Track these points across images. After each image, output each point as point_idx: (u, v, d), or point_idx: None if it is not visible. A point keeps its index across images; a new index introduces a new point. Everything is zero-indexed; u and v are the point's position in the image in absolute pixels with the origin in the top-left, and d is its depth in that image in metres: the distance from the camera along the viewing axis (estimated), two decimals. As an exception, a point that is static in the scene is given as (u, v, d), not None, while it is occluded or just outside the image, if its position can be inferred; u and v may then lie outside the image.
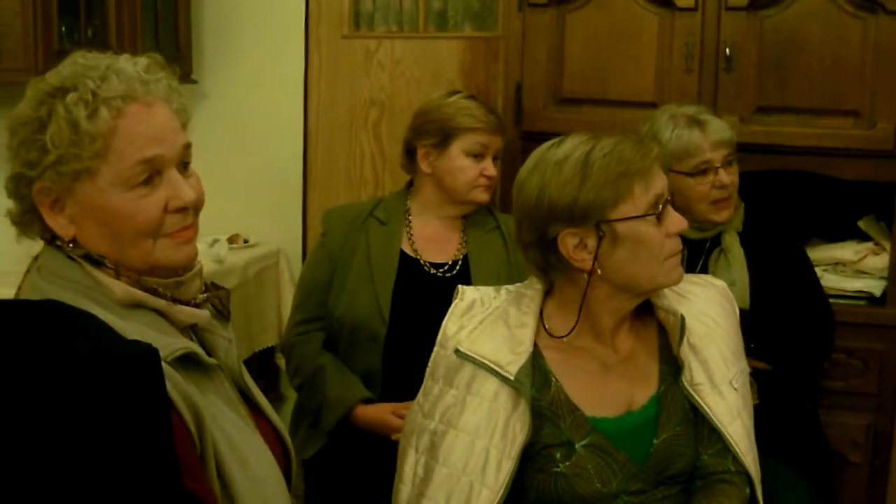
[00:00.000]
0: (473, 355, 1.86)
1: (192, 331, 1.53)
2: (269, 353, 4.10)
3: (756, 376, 2.39)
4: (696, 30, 3.04)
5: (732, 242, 2.71)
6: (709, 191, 2.65)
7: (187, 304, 1.50)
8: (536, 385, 1.85)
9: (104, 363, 1.19)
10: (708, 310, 1.93)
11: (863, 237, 3.17)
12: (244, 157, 4.16)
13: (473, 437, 1.81)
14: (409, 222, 2.76)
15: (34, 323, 1.24)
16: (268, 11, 4.10)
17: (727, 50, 3.01)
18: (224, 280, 3.40)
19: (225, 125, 4.10)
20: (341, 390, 2.63)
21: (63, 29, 3.41)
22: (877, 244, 3.12)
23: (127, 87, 1.41)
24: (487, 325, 1.90)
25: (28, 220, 1.47)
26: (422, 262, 2.71)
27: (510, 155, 2.99)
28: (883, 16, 2.90)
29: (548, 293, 1.95)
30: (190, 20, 4.06)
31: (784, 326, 2.68)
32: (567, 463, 1.82)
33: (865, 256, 3.11)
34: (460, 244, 2.75)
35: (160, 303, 1.46)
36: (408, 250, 2.73)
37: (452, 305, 1.97)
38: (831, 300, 2.89)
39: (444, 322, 1.95)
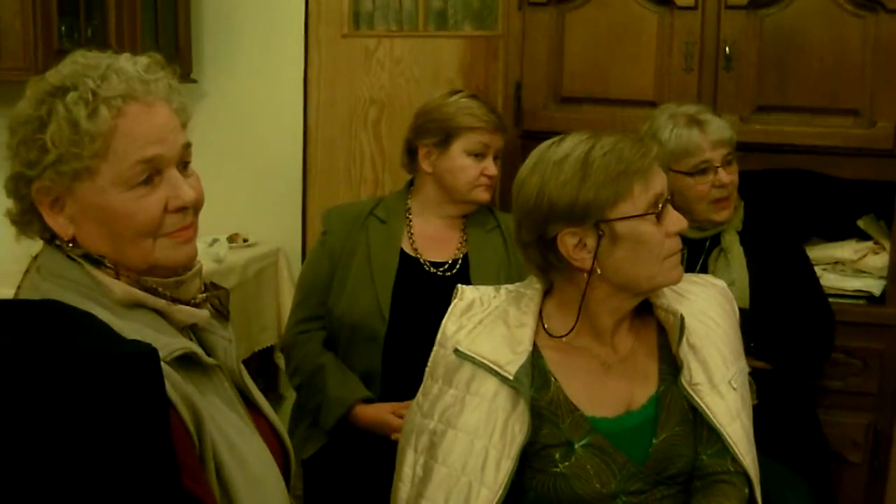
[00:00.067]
0: (473, 355, 1.86)
1: (192, 330, 1.53)
2: (268, 352, 4.10)
3: (755, 376, 2.39)
4: (696, 29, 3.04)
5: (732, 242, 2.71)
6: (708, 190, 2.65)
7: (187, 303, 1.50)
8: (536, 385, 1.85)
9: (103, 363, 1.19)
10: (707, 309, 1.93)
11: (862, 236, 3.17)
12: (244, 156, 4.16)
13: (472, 437, 1.81)
14: (410, 221, 2.76)
15: (33, 323, 1.24)
16: (267, 11, 4.10)
17: (727, 49, 3.01)
18: (223, 279, 3.40)
19: (225, 124, 4.10)
20: (341, 390, 2.63)
21: (63, 28, 3.41)
22: (876, 243, 3.12)
23: (127, 87, 1.41)
24: (487, 325, 1.90)
25: (28, 219, 1.47)
26: (422, 261, 2.71)
27: (510, 154, 2.99)
28: (883, 14, 2.90)
29: (547, 293, 1.95)
30: (190, 19, 4.06)
31: (784, 326, 2.68)
32: (566, 463, 1.82)
33: (865, 255, 3.11)
34: (460, 243, 2.75)
35: (160, 302, 1.46)
36: (408, 249, 2.73)
37: (452, 305, 1.97)
38: (831, 299, 2.89)
39: (443, 322, 1.95)
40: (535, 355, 1.87)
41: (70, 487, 1.15)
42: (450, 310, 1.96)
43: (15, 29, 3.25)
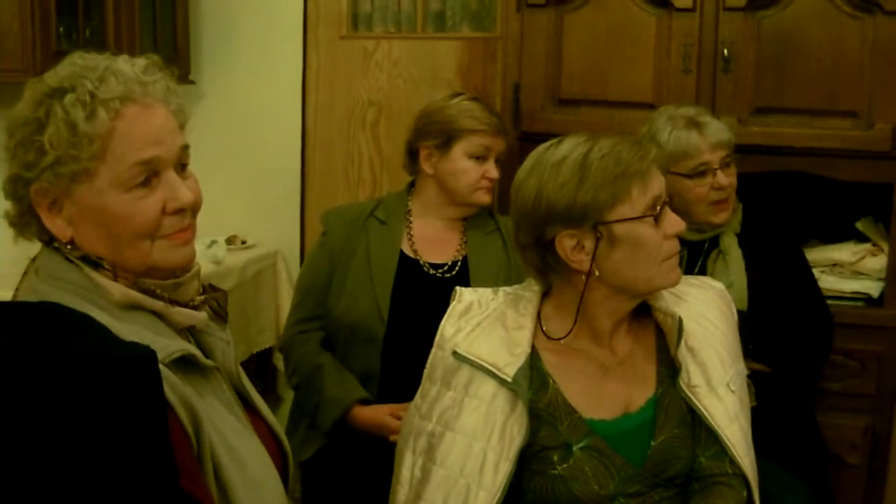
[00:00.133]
0: (471, 357, 1.85)
1: (190, 332, 1.53)
2: (266, 354, 4.10)
3: (754, 378, 2.40)
4: (695, 31, 3.04)
5: (731, 244, 2.71)
6: (707, 192, 2.65)
7: (185, 305, 1.50)
8: (534, 387, 1.85)
9: (101, 365, 1.19)
10: (706, 312, 1.93)
11: (861, 238, 3.17)
12: (242, 157, 4.16)
13: (471, 439, 1.81)
14: (410, 223, 2.76)
15: (32, 325, 1.24)
16: (266, 12, 4.10)
17: (725, 51, 3.01)
18: (222, 281, 3.40)
19: (223, 126, 4.10)
20: (339, 390, 2.63)
21: (61, 29, 3.41)
22: (875, 245, 3.13)
23: (125, 89, 1.41)
24: (485, 327, 1.90)
25: (26, 221, 1.46)
26: (421, 262, 2.71)
27: (508, 156, 2.99)
28: (881, 16, 2.90)
29: (545, 295, 1.95)
30: (188, 21, 4.06)
31: (782, 328, 2.68)
32: (564, 465, 1.82)
33: (863, 258, 3.11)
34: (460, 245, 2.75)
35: (158, 304, 1.46)
36: (407, 251, 2.73)
37: (450, 307, 1.97)
38: (829, 301, 2.89)
39: (441, 324, 1.95)
40: (534, 357, 1.87)
41: (69, 489, 1.15)
42: (448, 312, 1.96)
43: (13, 30, 3.25)
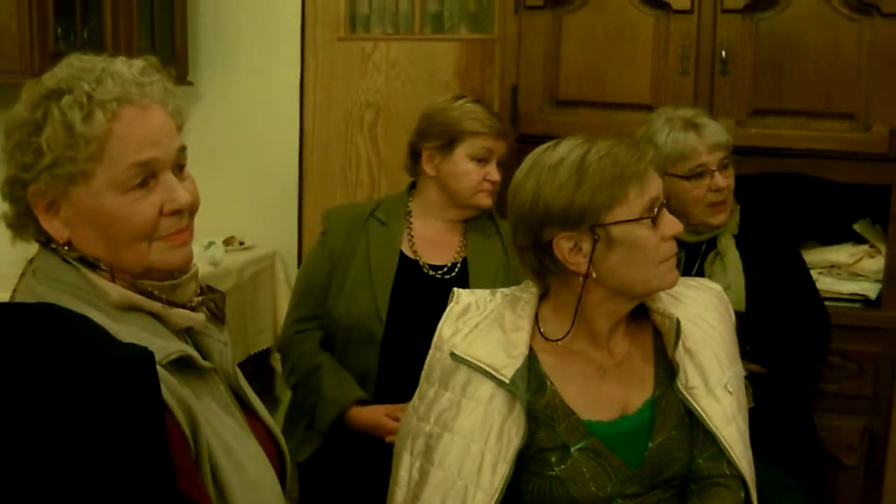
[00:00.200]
0: (469, 358, 1.86)
1: (188, 334, 1.53)
2: (264, 355, 4.10)
3: (751, 379, 2.40)
4: (692, 32, 3.04)
5: (728, 245, 2.71)
6: (705, 194, 2.65)
7: (182, 307, 1.50)
8: (532, 388, 1.85)
9: (99, 366, 1.19)
10: (703, 313, 1.93)
11: (858, 240, 3.17)
12: (240, 159, 4.16)
13: (468, 441, 1.81)
14: (411, 224, 2.77)
15: (29, 326, 1.24)
16: (264, 13, 4.10)
17: (723, 52, 3.01)
18: (220, 282, 3.40)
19: (221, 127, 4.11)
20: (336, 390, 2.63)
21: (59, 31, 3.41)
22: (872, 247, 3.13)
23: (122, 90, 1.41)
24: (483, 329, 1.90)
25: (23, 223, 1.46)
26: (421, 263, 2.71)
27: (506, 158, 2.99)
28: (878, 18, 2.91)
29: (543, 296, 1.95)
30: (186, 22, 4.06)
31: (779, 329, 2.68)
32: (562, 466, 1.82)
33: (861, 259, 3.11)
34: (460, 247, 2.75)
35: (155, 306, 1.46)
36: (407, 252, 2.73)
37: (448, 309, 1.97)
38: (826, 303, 2.89)
39: (439, 325, 1.95)
40: (531, 359, 1.87)
41: (67, 491, 1.15)
42: (446, 313, 1.96)
43: (11, 31, 3.25)
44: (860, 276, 3.11)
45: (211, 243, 3.73)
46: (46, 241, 1.46)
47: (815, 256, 3.12)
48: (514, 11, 3.19)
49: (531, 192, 1.83)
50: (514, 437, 1.79)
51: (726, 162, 2.67)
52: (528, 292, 1.95)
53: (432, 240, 2.75)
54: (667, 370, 1.90)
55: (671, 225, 1.83)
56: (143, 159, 1.41)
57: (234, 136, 4.15)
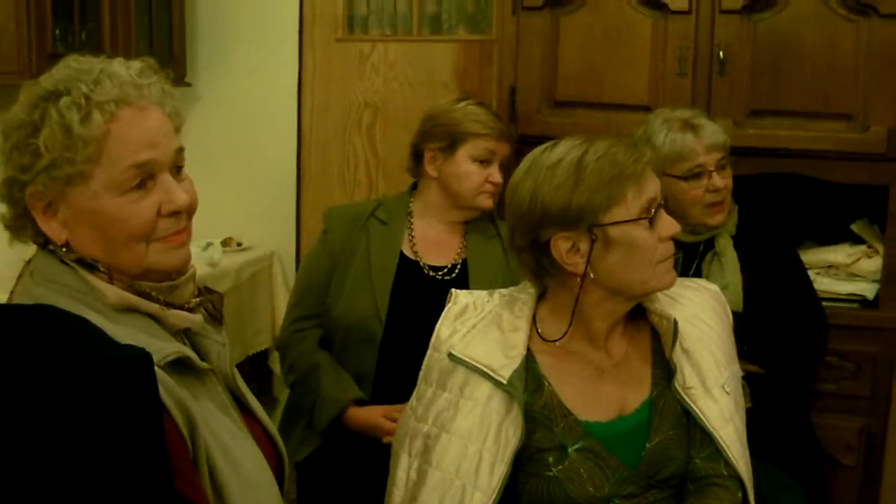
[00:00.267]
0: (466, 359, 1.86)
1: (185, 335, 1.53)
2: (262, 356, 4.10)
3: (749, 380, 2.40)
4: (690, 33, 3.04)
5: (726, 246, 2.71)
6: (702, 194, 2.65)
7: (180, 308, 1.50)
8: (529, 389, 1.85)
9: (97, 368, 1.19)
10: (700, 314, 1.94)
11: (856, 240, 3.17)
12: (238, 160, 4.16)
13: (466, 441, 1.81)
14: (411, 224, 2.77)
15: (27, 327, 1.25)
16: (262, 14, 4.10)
17: (721, 53, 3.01)
18: (217, 283, 3.40)
19: (219, 128, 4.11)
20: (335, 389, 2.63)
21: (57, 32, 3.41)
22: (870, 247, 3.13)
23: (120, 91, 1.41)
24: (481, 329, 1.90)
25: (21, 224, 1.46)
26: (421, 264, 2.72)
27: (504, 159, 3.00)
28: (876, 19, 2.91)
29: (541, 297, 1.95)
30: (184, 23, 4.06)
31: (777, 330, 2.69)
32: (560, 467, 1.82)
33: (858, 259, 3.12)
34: (460, 248, 2.76)
35: (153, 307, 1.46)
36: (408, 252, 2.73)
37: (446, 309, 1.97)
38: (824, 303, 2.89)
39: (437, 326, 1.95)
40: (529, 359, 1.87)
41: (65, 491, 1.15)
42: (444, 314, 1.97)
43: (9, 32, 3.25)
44: (858, 276, 3.11)
45: (209, 244, 3.73)
46: (44, 243, 1.46)
47: (812, 257, 3.12)
48: (512, 12, 3.19)
49: (529, 193, 1.83)
50: (511, 437, 1.80)
51: (724, 162, 2.67)
52: (525, 293, 1.95)
53: (433, 241, 2.76)
54: (664, 370, 1.90)
55: (669, 225, 1.83)
56: (141, 160, 1.41)
57: (231, 138, 4.15)
